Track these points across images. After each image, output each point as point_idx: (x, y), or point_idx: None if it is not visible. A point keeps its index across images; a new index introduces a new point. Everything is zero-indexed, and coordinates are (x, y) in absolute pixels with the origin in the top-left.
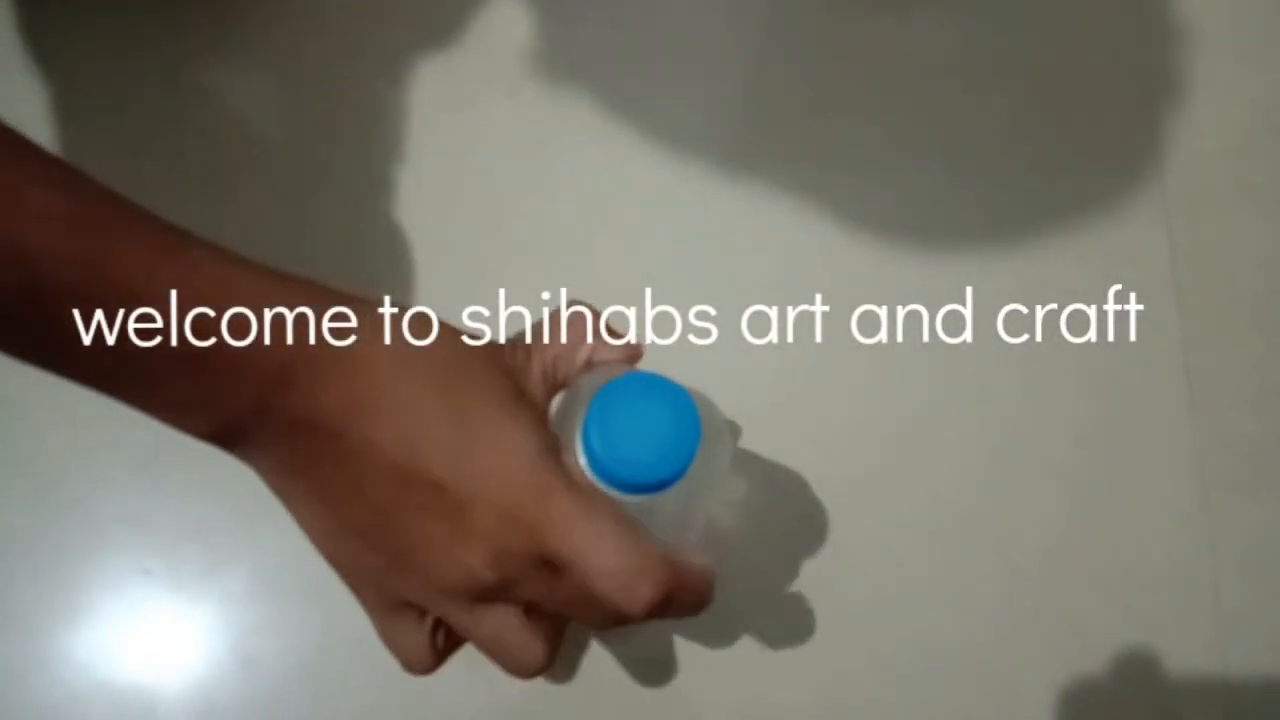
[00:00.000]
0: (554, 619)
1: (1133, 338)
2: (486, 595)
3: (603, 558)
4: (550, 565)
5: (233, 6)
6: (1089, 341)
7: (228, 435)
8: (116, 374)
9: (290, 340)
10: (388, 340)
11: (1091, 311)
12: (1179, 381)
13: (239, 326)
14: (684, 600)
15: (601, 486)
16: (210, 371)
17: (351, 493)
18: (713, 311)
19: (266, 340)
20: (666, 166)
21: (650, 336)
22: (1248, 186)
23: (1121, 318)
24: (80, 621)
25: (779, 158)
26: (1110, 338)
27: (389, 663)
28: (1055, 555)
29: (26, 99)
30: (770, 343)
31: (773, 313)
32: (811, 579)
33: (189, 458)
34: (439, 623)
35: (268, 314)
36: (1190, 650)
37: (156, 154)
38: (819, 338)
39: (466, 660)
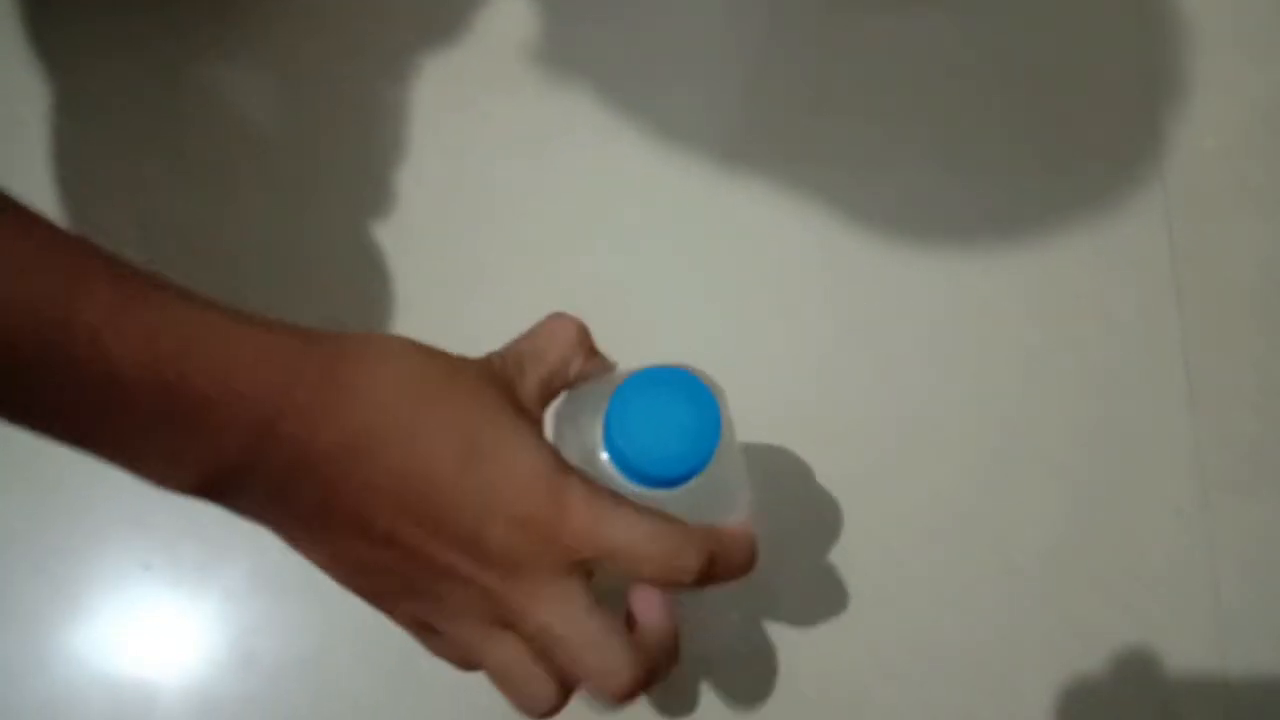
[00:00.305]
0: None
1: (1132, 337)
2: (499, 619)
3: (639, 541)
4: (574, 575)
5: (233, 6)
6: (1089, 341)
7: (218, 488)
8: (91, 430)
9: (273, 382)
10: (375, 371)
11: (1091, 310)
12: (1179, 381)
13: (215, 371)
14: (731, 560)
15: (630, 485)
16: (189, 421)
17: (358, 533)
18: (712, 311)
19: (247, 384)
20: (667, 166)
21: (649, 336)
22: (1248, 186)
23: (1121, 317)
24: (80, 617)
25: (779, 157)
26: (1110, 337)
27: (389, 659)
28: (1055, 555)
29: (27, 98)
30: (770, 342)
31: (772, 312)
32: (811, 578)
33: None
34: None
35: (245, 356)
36: (1190, 649)
37: (157, 153)
38: (819, 337)
39: None
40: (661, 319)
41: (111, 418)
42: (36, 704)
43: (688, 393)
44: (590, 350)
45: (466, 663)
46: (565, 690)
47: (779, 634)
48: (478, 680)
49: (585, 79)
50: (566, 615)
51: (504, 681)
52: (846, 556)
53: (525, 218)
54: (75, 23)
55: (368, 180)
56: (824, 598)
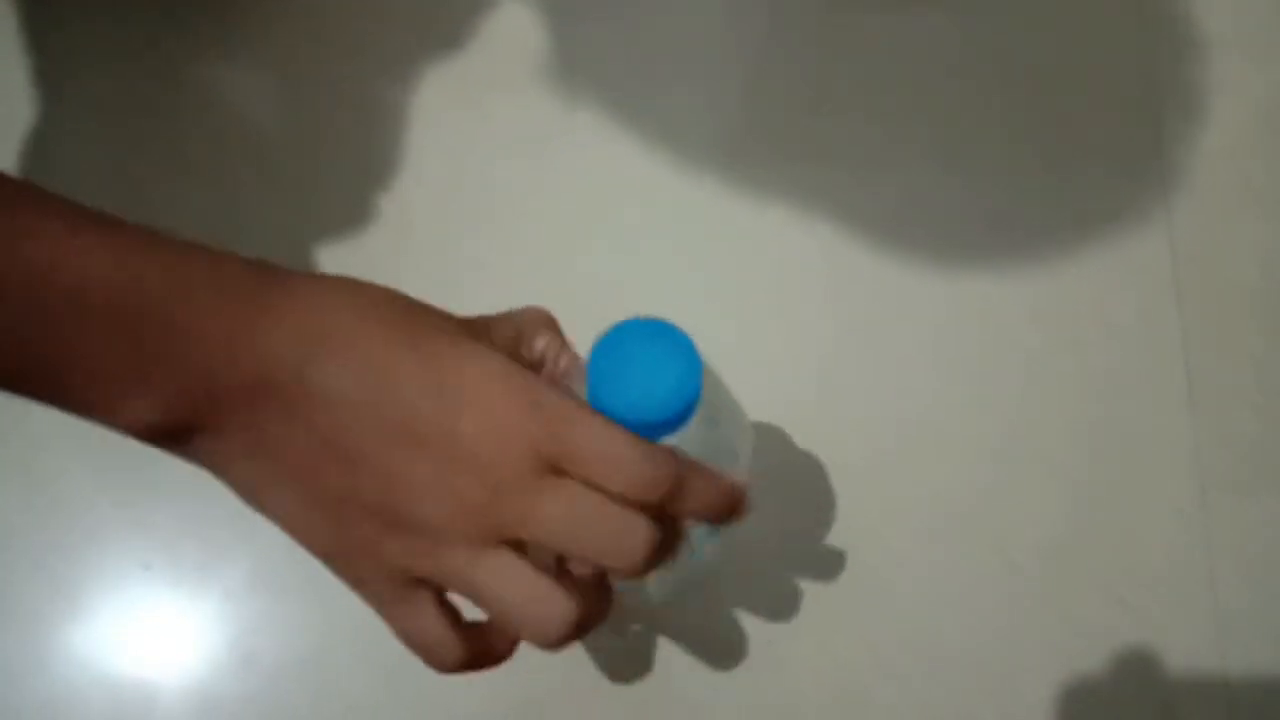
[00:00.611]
0: (570, 575)
1: (1132, 337)
2: (488, 531)
3: (613, 441)
4: (549, 475)
5: (233, 6)
6: (1089, 341)
7: (180, 422)
8: (45, 353)
9: (229, 298)
10: (330, 288)
11: (1091, 311)
12: (1179, 381)
13: (174, 286)
14: (706, 491)
15: None
16: (150, 338)
17: (322, 451)
18: (712, 311)
19: (205, 299)
20: (667, 166)
21: None
22: (1249, 186)
23: (1121, 317)
24: (80, 617)
25: (779, 157)
26: (1110, 337)
27: (389, 659)
28: (1055, 554)
29: (27, 97)
30: (770, 342)
31: (772, 312)
32: (811, 578)
33: None
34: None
35: (199, 273)
36: (1190, 648)
37: (156, 153)
38: (818, 337)
39: None
40: (660, 317)
41: (74, 341)
42: (36, 704)
43: (663, 338)
44: (557, 332)
45: (454, 638)
46: (580, 597)
47: (778, 633)
48: (477, 680)
49: (586, 79)
50: (579, 501)
51: (505, 607)
52: (847, 557)
53: (525, 218)
54: (74, 22)
55: (368, 180)
56: (824, 597)
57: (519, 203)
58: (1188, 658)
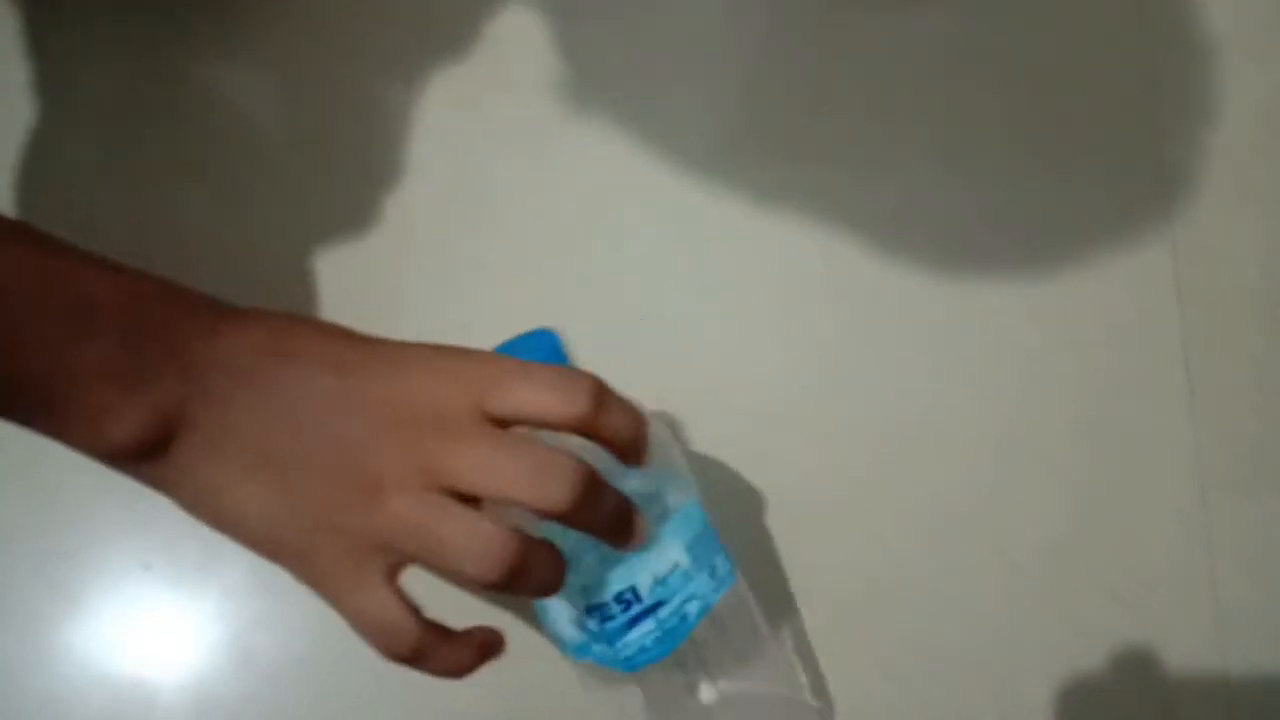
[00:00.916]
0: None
1: (1132, 337)
2: (428, 478)
3: (541, 374)
4: (485, 425)
5: (233, 6)
6: (1089, 340)
7: (160, 431)
8: (42, 362)
9: (201, 314)
10: (281, 313)
11: (1092, 310)
12: (1179, 380)
13: (160, 305)
14: (621, 410)
15: None
16: (142, 349)
17: (279, 427)
18: (712, 311)
19: (183, 317)
20: (667, 166)
21: (649, 336)
22: (1249, 185)
23: (1121, 316)
24: (80, 616)
25: (779, 157)
26: (1110, 337)
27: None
28: (1055, 554)
29: (27, 98)
30: (769, 341)
31: (772, 312)
32: (810, 578)
33: None
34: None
35: (179, 296)
36: (1190, 647)
37: (156, 153)
38: (818, 337)
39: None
40: (661, 319)
41: (72, 350)
42: (37, 702)
43: (541, 348)
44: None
45: (408, 617)
46: (518, 541)
47: (776, 632)
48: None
49: (586, 79)
50: (512, 443)
51: (452, 541)
52: (846, 556)
53: (526, 217)
54: (74, 23)
55: (368, 180)
56: (823, 597)
57: (519, 202)
58: (1188, 657)
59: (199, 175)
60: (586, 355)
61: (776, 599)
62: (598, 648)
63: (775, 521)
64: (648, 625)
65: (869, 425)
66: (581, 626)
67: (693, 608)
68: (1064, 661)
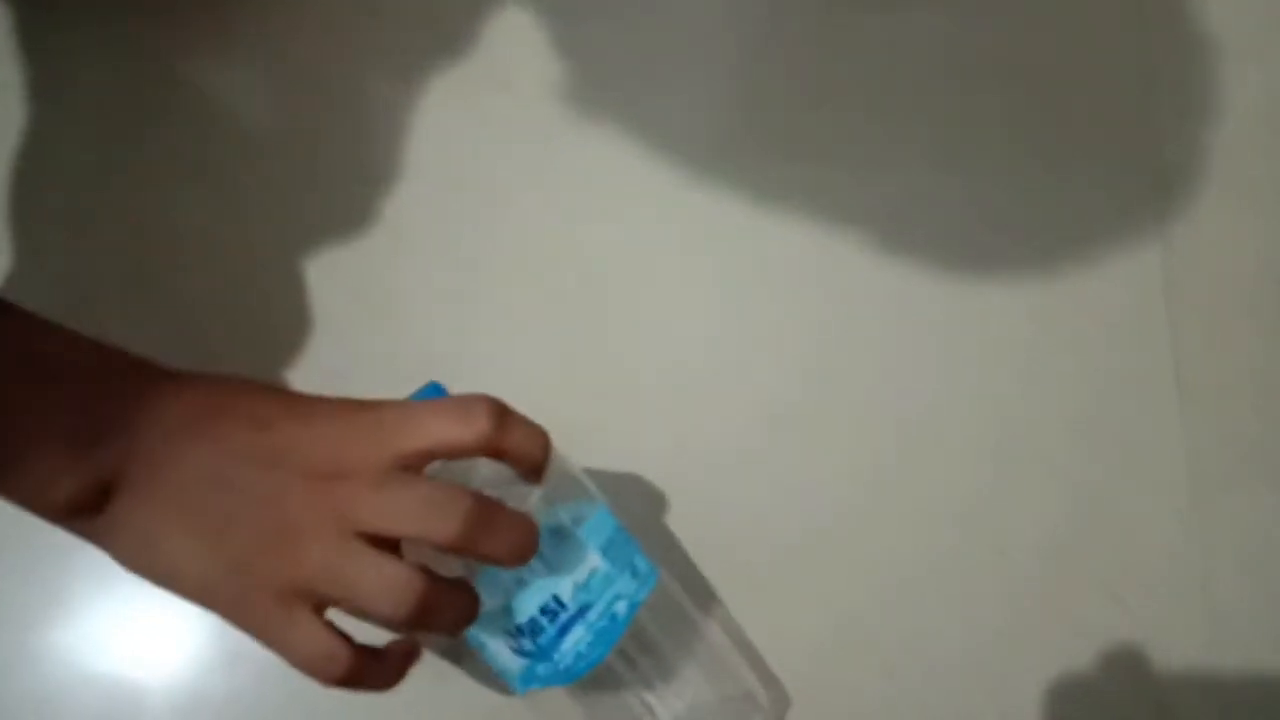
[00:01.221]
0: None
1: (1127, 335)
2: (342, 525)
3: (441, 409)
4: (395, 474)
5: (229, 4)
6: (1085, 339)
7: (103, 482)
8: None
9: (145, 378)
10: (217, 377)
11: (1088, 310)
12: (1170, 378)
13: (105, 365)
14: (521, 426)
15: None
16: (93, 406)
17: (209, 485)
18: (711, 310)
19: (126, 380)
20: (665, 164)
21: (649, 335)
22: (1245, 185)
23: (1116, 315)
24: (67, 615)
25: (779, 156)
26: (1106, 336)
27: None
28: (1051, 552)
29: (20, 95)
30: (767, 341)
31: (770, 311)
32: (808, 576)
33: None
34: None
35: (121, 358)
36: (1184, 646)
37: (150, 150)
38: (816, 334)
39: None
40: (660, 318)
41: (28, 404)
42: (24, 703)
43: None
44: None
45: (340, 645)
46: (424, 579)
47: (776, 633)
48: (462, 678)
49: (584, 78)
50: (404, 484)
51: (365, 582)
52: (843, 555)
53: (523, 217)
54: (68, 21)
55: (363, 179)
56: (821, 596)
57: (516, 201)
58: (1182, 655)
59: (195, 174)
60: (583, 354)
61: (772, 596)
62: (540, 668)
63: (771, 517)
64: (579, 631)
65: (866, 423)
66: (519, 651)
67: (621, 607)
68: (1059, 659)
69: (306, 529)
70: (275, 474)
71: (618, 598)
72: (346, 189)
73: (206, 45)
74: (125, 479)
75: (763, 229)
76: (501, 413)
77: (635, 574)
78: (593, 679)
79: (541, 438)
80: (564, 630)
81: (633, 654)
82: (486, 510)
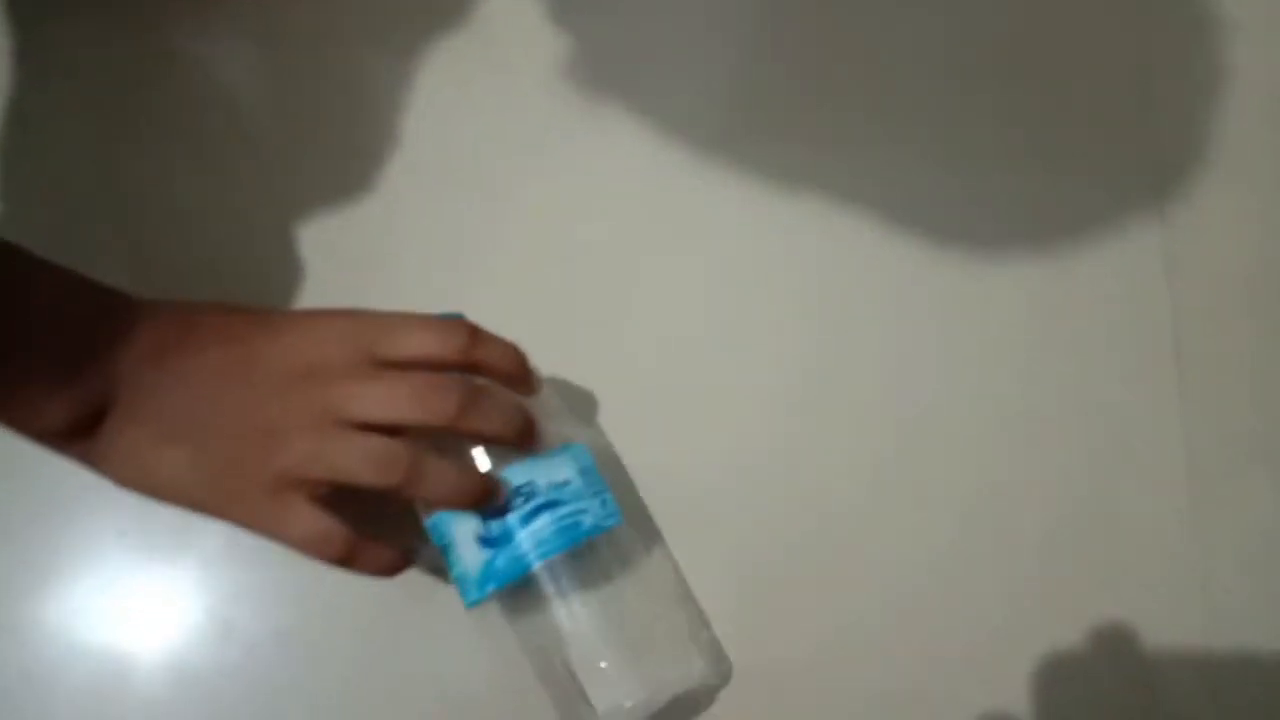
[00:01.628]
0: None
1: (1126, 326)
2: (325, 415)
3: (417, 319)
4: (372, 367)
5: None
6: (1083, 329)
7: (98, 406)
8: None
9: (127, 306)
10: (191, 302)
11: (1086, 300)
12: (1170, 364)
13: (91, 297)
14: (495, 343)
15: None
16: (86, 335)
17: (195, 397)
18: (709, 297)
19: (88, 303)
20: (660, 147)
21: (644, 321)
22: (1242, 169)
23: (1115, 305)
24: (52, 586)
25: (777, 144)
26: (1104, 326)
27: (368, 628)
28: (1047, 540)
29: (7, 70)
30: (764, 331)
31: (768, 301)
32: (805, 563)
33: None
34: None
35: (107, 292)
36: (1179, 635)
37: (140, 128)
38: (814, 322)
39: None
40: (656, 303)
41: (23, 334)
42: (10, 675)
43: None
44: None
45: (337, 525)
46: (409, 447)
47: (769, 613)
48: (454, 651)
49: (582, 59)
50: (396, 375)
51: (354, 460)
52: (841, 542)
53: (515, 195)
54: None
55: (356, 156)
56: (819, 580)
57: (508, 180)
58: (1179, 646)
59: (190, 150)
60: (575, 331)
61: (769, 582)
62: (500, 559)
63: (768, 506)
64: (545, 518)
65: (864, 413)
66: (484, 541)
67: (586, 520)
68: (1054, 649)
69: (289, 423)
70: (249, 382)
71: (585, 511)
72: (342, 165)
73: (202, 21)
74: (111, 403)
75: (760, 217)
76: (476, 331)
77: (604, 505)
78: (532, 609)
79: (516, 352)
80: (533, 514)
81: (575, 591)
82: (479, 391)
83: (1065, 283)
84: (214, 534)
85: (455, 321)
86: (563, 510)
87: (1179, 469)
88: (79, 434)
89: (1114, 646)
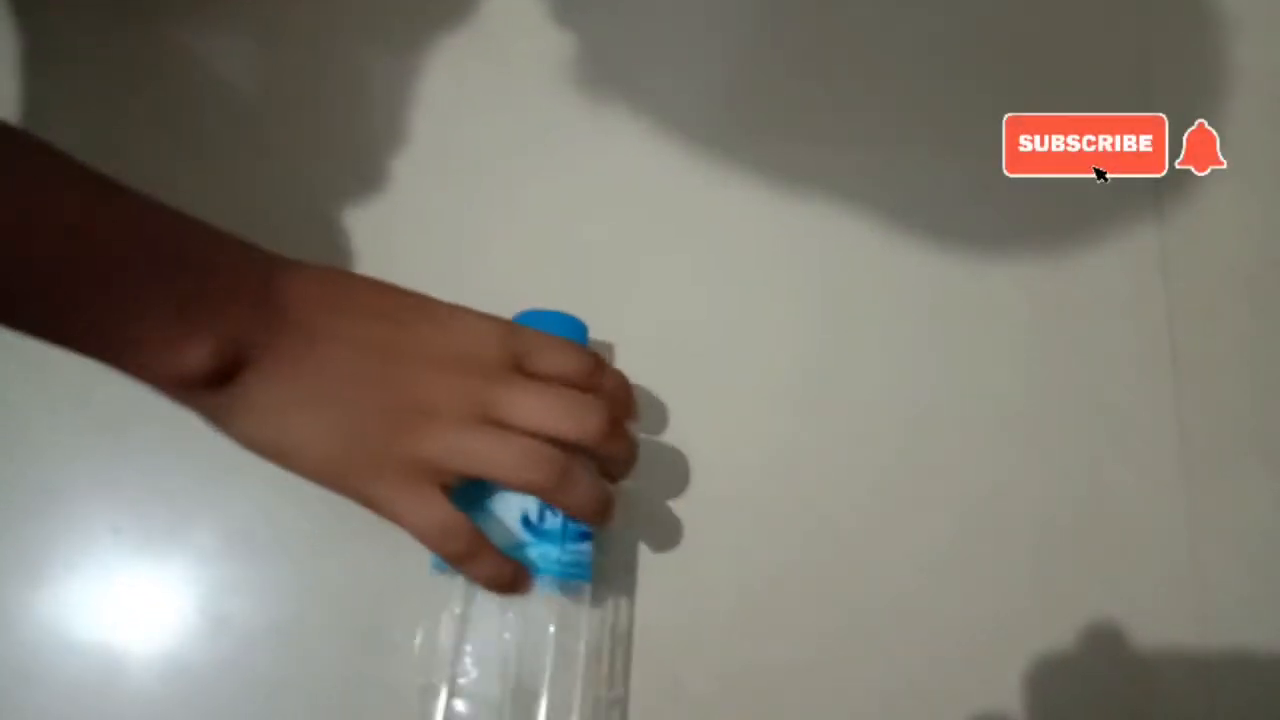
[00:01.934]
0: None
1: (1120, 312)
2: (475, 409)
3: (556, 340)
4: (520, 374)
5: None
6: (1077, 317)
7: (231, 360)
8: (94, 304)
9: (255, 255)
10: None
11: (1081, 288)
12: (1166, 361)
13: (208, 241)
14: (613, 371)
15: None
16: (205, 271)
17: (342, 374)
18: (705, 289)
19: (236, 253)
20: (658, 138)
21: (644, 321)
22: (1239, 170)
23: (1109, 293)
24: (47, 581)
25: (776, 137)
26: (1098, 313)
27: (363, 623)
28: (1041, 537)
29: (9, 67)
30: (762, 324)
31: (765, 295)
32: (802, 551)
33: (157, 413)
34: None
35: (223, 234)
36: (1171, 622)
37: (142, 120)
38: (811, 315)
39: None
40: (655, 303)
41: (113, 290)
42: (3, 671)
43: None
44: None
45: (465, 460)
46: (560, 454)
47: (765, 601)
48: None
49: (580, 53)
50: (532, 389)
51: (501, 457)
52: (835, 531)
53: (516, 196)
54: None
55: (357, 149)
56: (811, 567)
57: (510, 179)
58: (1168, 630)
59: (189, 143)
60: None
61: (766, 569)
62: (534, 551)
63: (768, 502)
64: (586, 547)
65: (860, 404)
66: (528, 525)
67: (590, 568)
68: (1047, 639)
69: (440, 410)
70: (406, 365)
71: (590, 559)
72: (342, 162)
73: (201, 14)
74: (251, 359)
75: (761, 215)
76: (602, 363)
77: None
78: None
79: (628, 384)
80: (581, 537)
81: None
82: (617, 422)
83: (1062, 280)
84: (208, 530)
85: (589, 350)
86: (590, 548)
87: (1175, 467)
88: (214, 383)
89: (1111, 644)
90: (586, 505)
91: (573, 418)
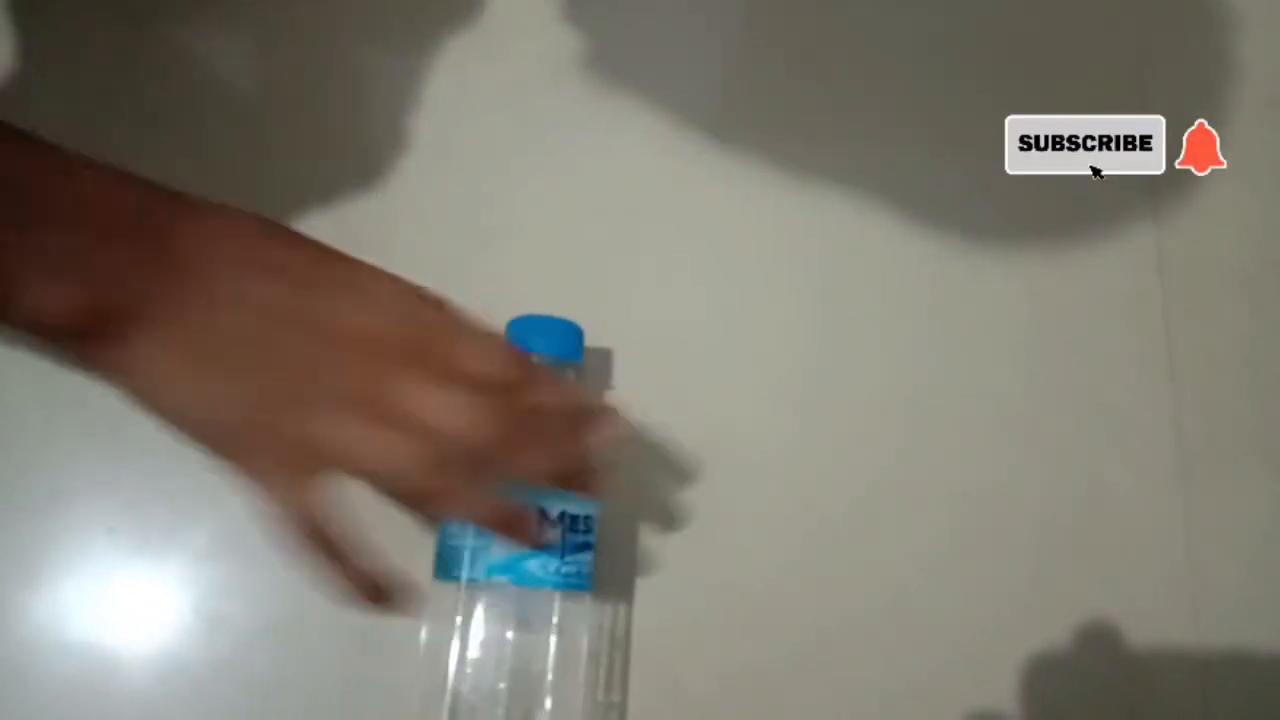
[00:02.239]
0: None
1: (1117, 310)
2: (372, 396)
3: (474, 325)
4: (419, 360)
5: None
6: (1075, 315)
7: (109, 299)
8: None
9: (152, 201)
10: (244, 215)
11: (1078, 285)
12: (1161, 353)
13: (100, 183)
14: (549, 383)
15: None
16: (77, 218)
17: (244, 326)
18: (704, 284)
19: (134, 195)
20: (658, 135)
21: (645, 317)
22: (1236, 169)
23: (1106, 290)
24: (45, 581)
25: (775, 134)
26: (1095, 311)
27: (358, 625)
28: (1033, 523)
29: (7, 66)
30: (762, 320)
31: (764, 291)
32: (798, 546)
33: None
34: None
35: (140, 185)
36: (1171, 630)
37: (135, 115)
38: (811, 313)
39: None
40: (655, 299)
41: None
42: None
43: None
44: None
45: (340, 453)
46: (421, 446)
47: (759, 595)
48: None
49: (581, 49)
50: (430, 382)
51: (367, 449)
52: (832, 526)
53: (517, 193)
54: None
55: (358, 146)
56: (811, 567)
57: (511, 177)
58: (1168, 639)
59: (178, 139)
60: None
61: (762, 560)
62: (537, 559)
63: (768, 499)
64: (587, 557)
65: (857, 402)
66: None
67: (587, 577)
68: (1044, 642)
69: (326, 392)
70: (302, 336)
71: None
72: (343, 160)
73: (201, 14)
74: (144, 314)
75: (761, 212)
76: (529, 367)
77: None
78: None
79: (573, 396)
80: (582, 548)
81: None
82: (539, 429)
83: (1061, 280)
84: (203, 529)
85: (514, 352)
86: (591, 557)
87: (1173, 466)
88: (88, 334)
89: (1108, 643)
90: (484, 518)
91: (463, 417)
